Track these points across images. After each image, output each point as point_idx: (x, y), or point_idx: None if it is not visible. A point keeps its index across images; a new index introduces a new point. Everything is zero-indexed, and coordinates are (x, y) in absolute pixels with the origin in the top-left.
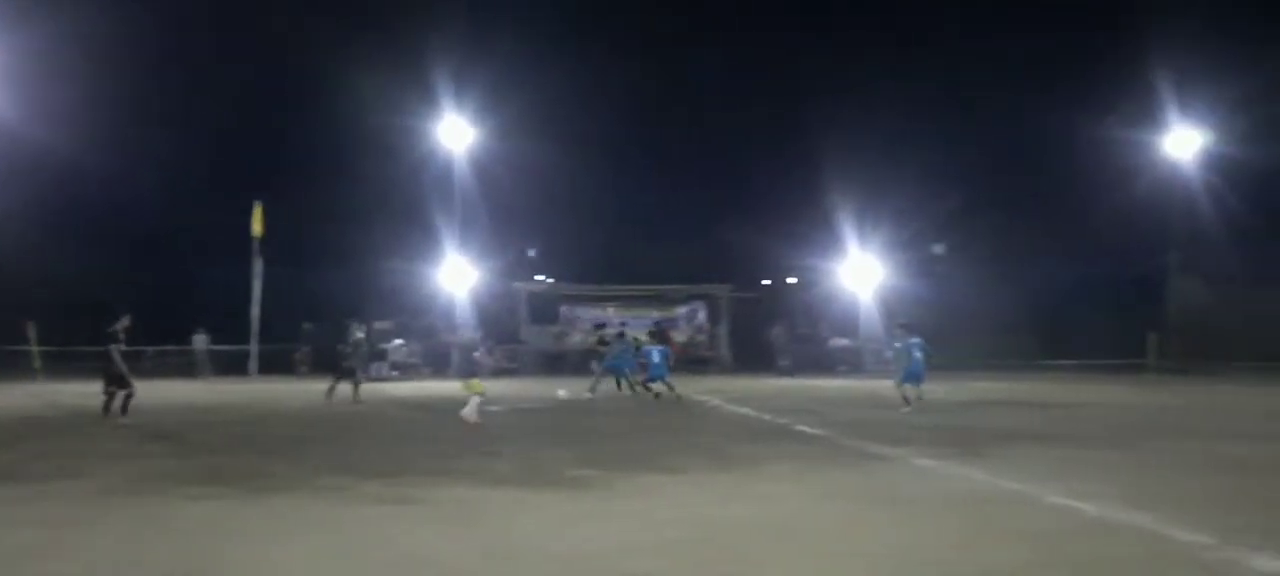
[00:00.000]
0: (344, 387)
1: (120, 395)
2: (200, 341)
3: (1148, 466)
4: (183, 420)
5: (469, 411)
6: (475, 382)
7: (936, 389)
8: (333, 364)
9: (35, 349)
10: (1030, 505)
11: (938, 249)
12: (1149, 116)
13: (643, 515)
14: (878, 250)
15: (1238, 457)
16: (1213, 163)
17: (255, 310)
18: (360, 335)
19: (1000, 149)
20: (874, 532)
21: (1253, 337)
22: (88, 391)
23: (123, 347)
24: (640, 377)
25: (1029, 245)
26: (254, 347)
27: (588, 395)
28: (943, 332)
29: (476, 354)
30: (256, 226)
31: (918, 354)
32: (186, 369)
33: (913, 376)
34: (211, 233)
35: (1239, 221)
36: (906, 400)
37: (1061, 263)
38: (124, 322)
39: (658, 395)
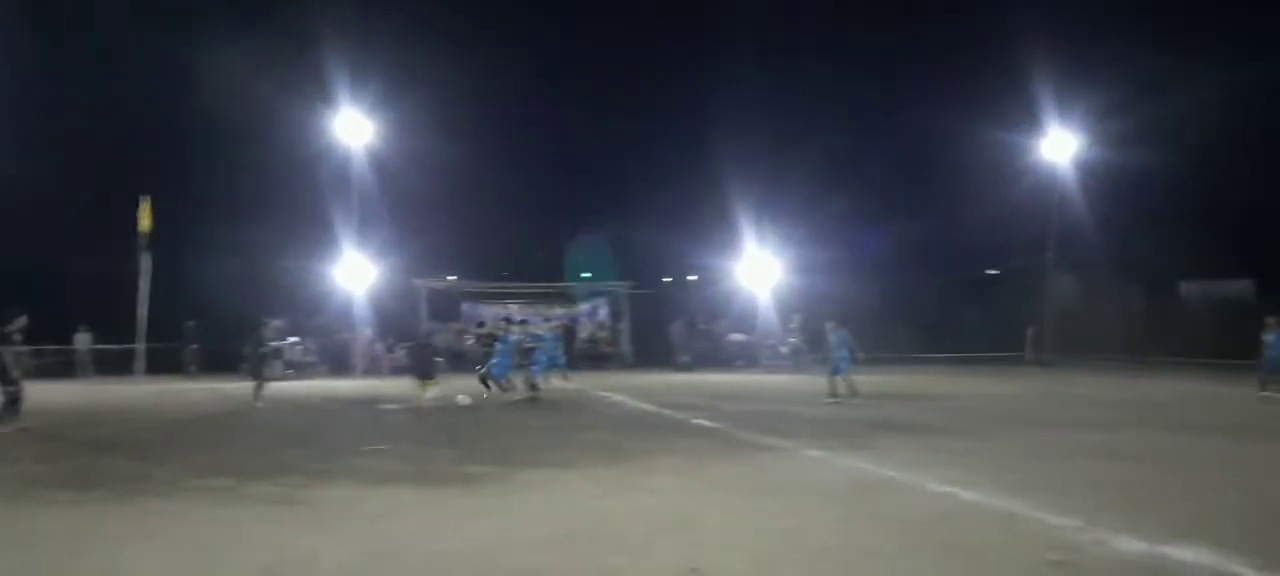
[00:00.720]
0: (259, 385)
1: (5, 400)
2: (82, 340)
3: (1021, 454)
4: (60, 422)
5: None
6: (429, 382)
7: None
8: (238, 363)
9: None
10: (910, 492)
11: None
12: (1027, 119)
13: (530, 510)
14: (774, 248)
15: (1105, 445)
16: (1086, 164)
17: (142, 308)
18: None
19: (888, 149)
20: (758, 521)
21: (1121, 331)
22: None
23: (19, 349)
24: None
25: (912, 241)
26: (141, 346)
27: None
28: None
29: (382, 350)
30: (144, 221)
31: (843, 348)
32: (67, 369)
33: (839, 369)
34: (95, 227)
35: (1109, 220)
36: (835, 393)
37: (942, 259)
38: (20, 323)
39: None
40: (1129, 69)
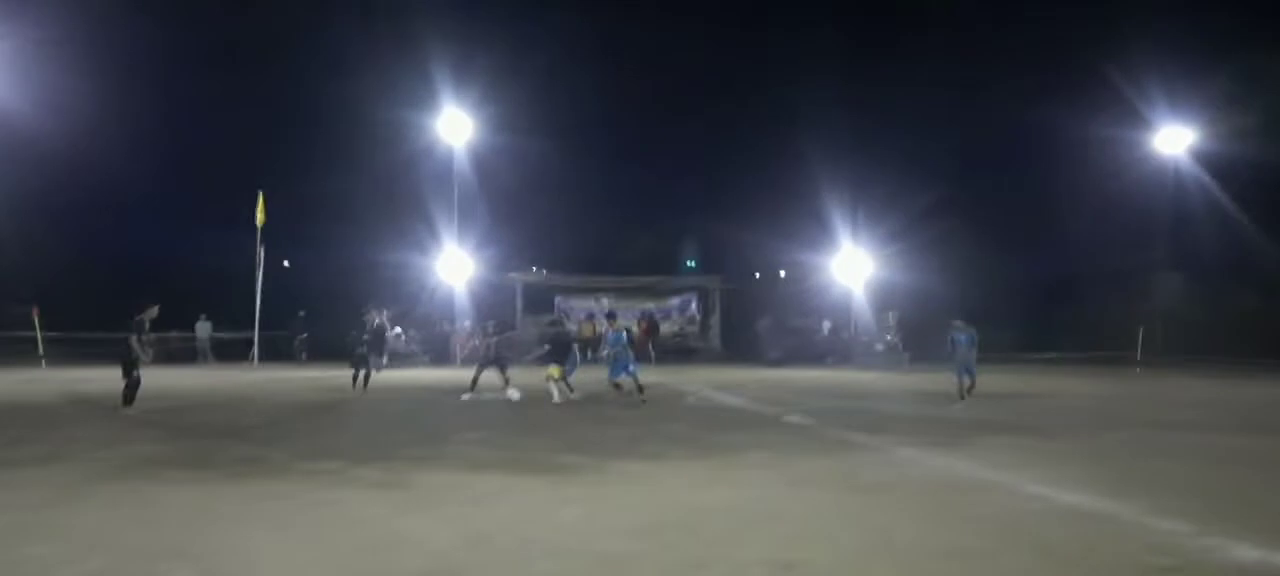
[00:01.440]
0: (361, 375)
1: (126, 384)
2: (203, 329)
3: (1124, 456)
4: (179, 406)
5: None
6: (553, 369)
7: (931, 381)
8: (343, 352)
9: (40, 335)
10: (1006, 492)
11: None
12: (1137, 113)
13: (622, 500)
14: (868, 243)
15: (1214, 448)
16: (1201, 159)
17: (258, 298)
18: (379, 321)
19: (989, 141)
20: (848, 517)
21: (1233, 333)
22: (87, 377)
23: (146, 336)
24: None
25: (1015, 238)
26: (256, 335)
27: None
28: (930, 324)
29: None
30: (259, 215)
31: (973, 349)
32: (189, 355)
33: (969, 370)
34: (216, 221)
35: (1224, 218)
36: (960, 397)
37: (1048, 255)
38: (151, 312)
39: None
40: (1243, 61)
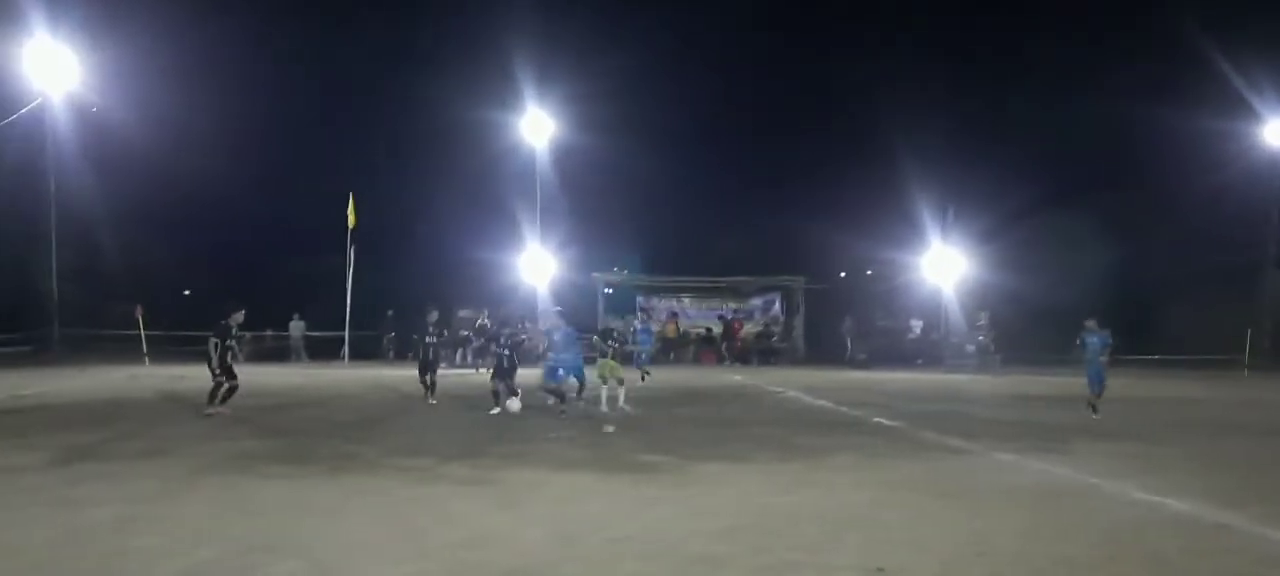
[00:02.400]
0: (426, 380)
1: (223, 387)
2: (296, 327)
3: (1237, 464)
4: (275, 403)
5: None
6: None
7: (1026, 384)
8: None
9: (143, 334)
10: (1110, 499)
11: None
12: (1245, 104)
13: (707, 502)
14: (959, 242)
15: None
16: None
17: (348, 298)
18: (481, 321)
19: (1085, 137)
20: (942, 523)
21: None
22: (188, 374)
23: (231, 341)
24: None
25: (1115, 235)
26: (347, 333)
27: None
28: (1024, 325)
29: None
30: (350, 217)
31: (1098, 350)
32: (283, 353)
33: (1100, 377)
34: (308, 223)
35: None
36: (1092, 407)
37: (1149, 254)
38: (238, 316)
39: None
40: None
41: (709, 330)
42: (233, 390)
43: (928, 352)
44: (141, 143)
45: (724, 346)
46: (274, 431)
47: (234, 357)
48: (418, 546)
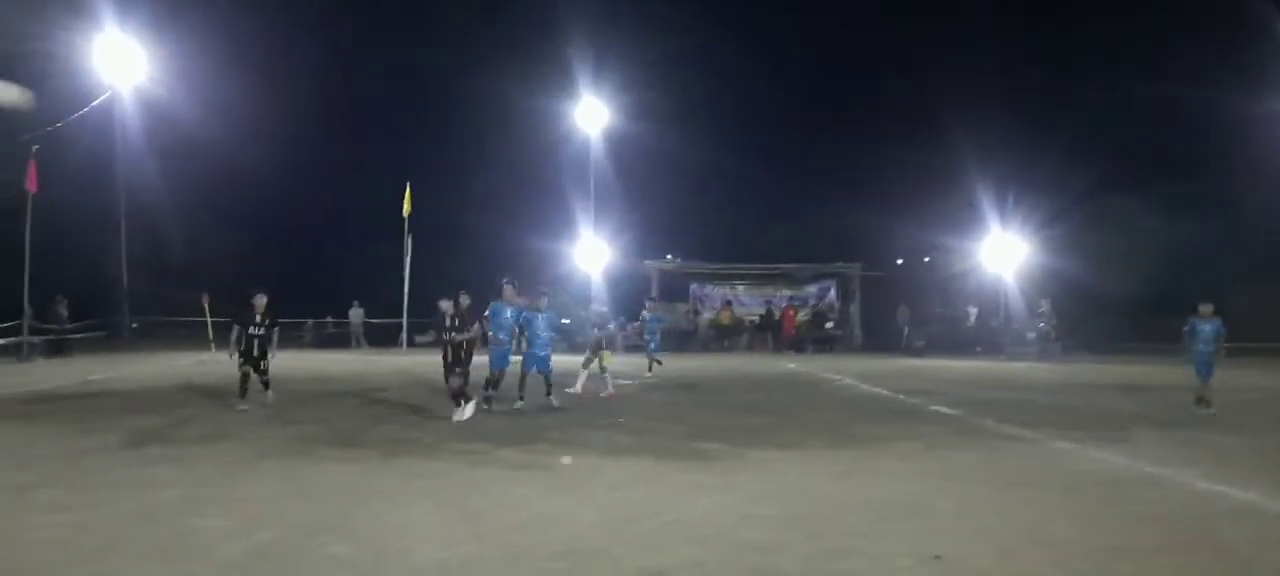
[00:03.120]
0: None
1: (248, 377)
2: (356, 315)
3: None
4: (335, 389)
5: (584, 384)
6: (607, 355)
7: (1088, 372)
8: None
9: (208, 321)
10: (1173, 489)
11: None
12: None
13: (760, 488)
14: (1019, 227)
15: None
16: None
17: (406, 285)
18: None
19: (1149, 119)
20: (999, 511)
21: None
22: None
23: (253, 329)
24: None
25: (1180, 220)
26: (405, 320)
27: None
28: (1086, 312)
29: (611, 326)
30: (406, 205)
31: (1210, 339)
32: (343, 340)
33: (1209, 368)
34: (367, 212)
35: None
36: (1204, 401)
37: (1214, 239)
38: (259, 302)
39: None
40: None
41: (762, 317)
42: (245, 378)
43: (986, 340)
44: (206, 134)
45: (770, 335)
46: (335, 416)
47: (260, 346)
48: (472, 529)
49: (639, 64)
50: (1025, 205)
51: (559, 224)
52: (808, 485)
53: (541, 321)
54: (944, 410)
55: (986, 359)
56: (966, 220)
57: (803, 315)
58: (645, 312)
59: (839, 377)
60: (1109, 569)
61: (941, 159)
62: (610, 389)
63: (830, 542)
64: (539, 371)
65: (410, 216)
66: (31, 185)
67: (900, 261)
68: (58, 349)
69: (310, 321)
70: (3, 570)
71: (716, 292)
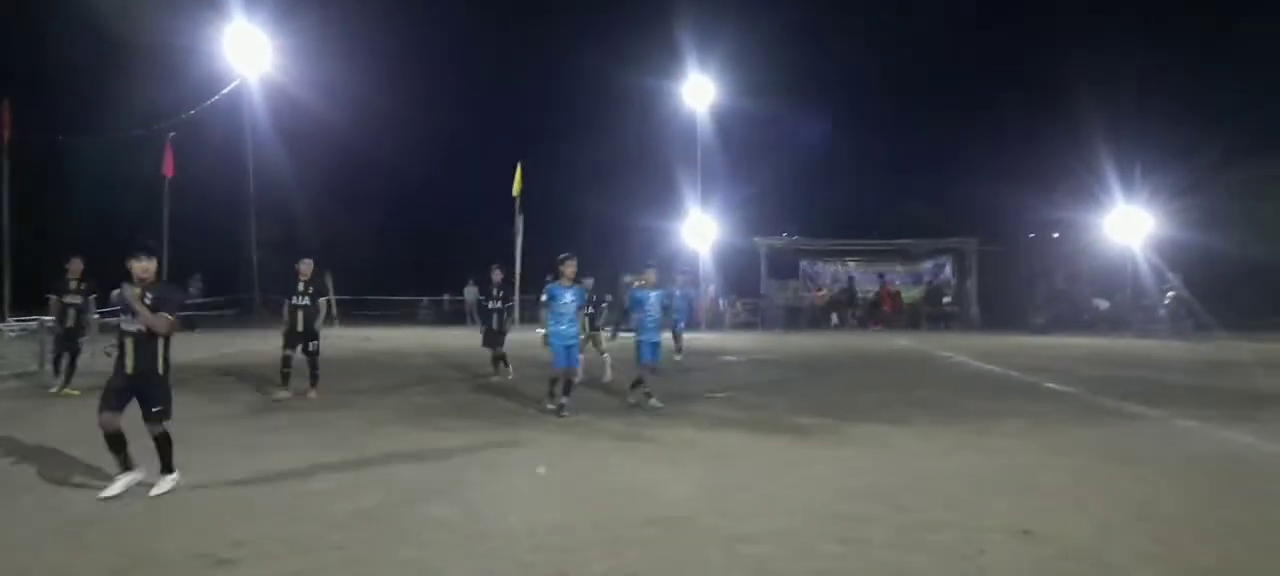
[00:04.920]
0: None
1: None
2: (470, 292)
3: None
4: (451, 361)
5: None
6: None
7: (1224, 350)
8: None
9: (332, 298)
10: None
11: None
12: None
13: (859, 463)
14: (1148, 200)
15: None
16: None
17: (517, 264)
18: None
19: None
20: (1106, 488)
21: None
22: (373, 336)
23: (296, 298)
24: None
25: None
26: (516, 298)
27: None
28: (1222, 289)
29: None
30: (516, 185)
31: None
32: (459, 317)
33: None
34: (483, 192)
35: None
36: None
37: None
38: (302, 267)
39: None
40: None
41: (876, 294)
42: (286, 361)
43: (1112, 317)
44: (329, 119)
45: (849, 311)
46: (445, 388)
47: (305, 319)
48: (567, 496)
49: (750, 37)
50: (1156, 174)
51: (669, 201)
52: (908, 460)
53: (654, 300)
54: (1060, 388)
55: (1112, 337)
56: (1093, 193)
57: (915, 292)
58: (676, 290)
59: (952, 355)
60: (1217, 547)
61: (1066, 129)
62: (609, 374)
63: (922, 515)
64: (647, 363)
65: (520, 195)
66: (168, 170)
67: (1026, 236)
68: (191, 324)
69: (426, 299)
70: (127, 525)
71: (826, 270)
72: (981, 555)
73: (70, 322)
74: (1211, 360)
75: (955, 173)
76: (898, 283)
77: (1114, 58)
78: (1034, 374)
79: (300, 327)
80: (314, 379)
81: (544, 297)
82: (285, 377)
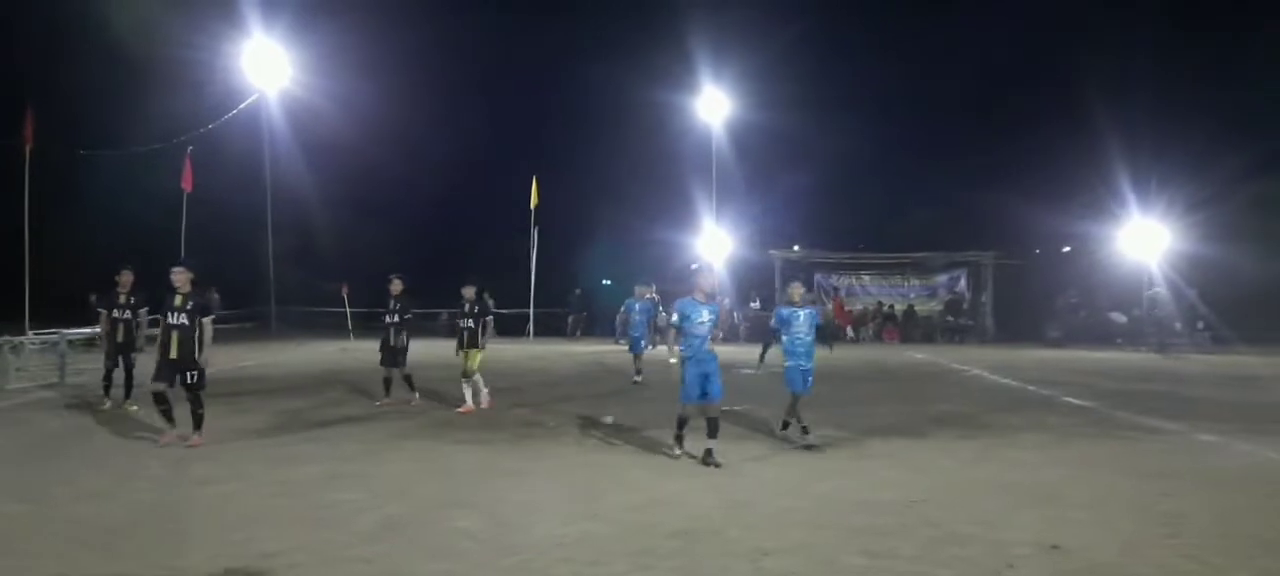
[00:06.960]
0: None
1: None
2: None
3: None
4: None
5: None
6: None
7: (1242, 364)
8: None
9: (348, 311)
10: None
11: None
12: None
13: (881, 476)
14: (1165, 213)
15: None
16: None
17: (532, 276)
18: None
19: None
20: (1130, 502)
21: None
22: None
23: (388, 316)
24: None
25: None
26: (531, 311)
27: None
28: (1243, 303)
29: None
30: (534, 198)
31: None
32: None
33: None
34: (497, 205)
35: None
36: None
37: None
38: (396, 286)
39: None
40: None
41: (892, 307)
42: (387, 382)
43: (1128, 331)
44: (346, 133)
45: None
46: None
47: (395, 336)
48: (591, 507)
49: (763, 51)
50: (1171, 189)
51: (683, 214)
52: (931, 473)
53: (803, 319)
54: (1078, 402)
55: (1128, 351)
56: (1109, 206)
57: (931, 304)
58: (635, 303)
59: (968, 369)
60: (1248, 564)
61: (1083, 142)
62: (470, 404)
63: (949, 529)
64: (798, 393)
65: (537, 208)
66: (187, 184)
67: (1051, 249)
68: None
69: (444, 312)
70: (157, 534)
71: (841, 283)
72: (1010, 570)
73: (120, 338)
74: (1229, 374)
75: (972, 186)
76: (920, 294)
77: (1131, 70)
78: (1051, 387)
79: (392, 342)
80: (408, 381)
81: (675, 317)
82: (388, 390)
